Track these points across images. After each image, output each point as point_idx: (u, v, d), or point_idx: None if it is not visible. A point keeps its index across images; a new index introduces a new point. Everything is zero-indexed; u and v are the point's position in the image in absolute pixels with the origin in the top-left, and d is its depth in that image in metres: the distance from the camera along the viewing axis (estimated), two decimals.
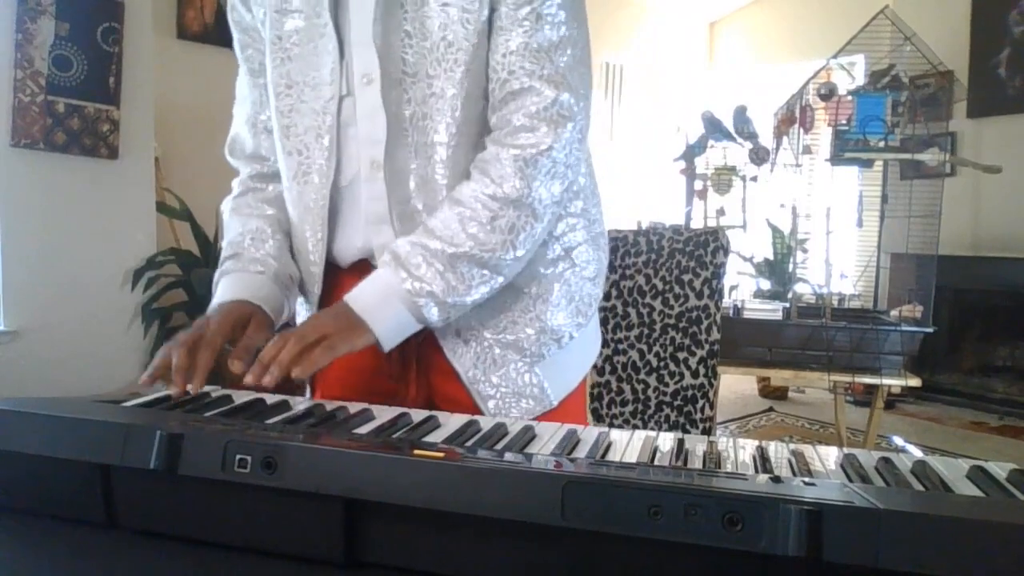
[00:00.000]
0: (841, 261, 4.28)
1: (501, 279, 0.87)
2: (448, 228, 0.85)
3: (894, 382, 2.97)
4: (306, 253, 0.96)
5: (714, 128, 3.89)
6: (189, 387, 0.77)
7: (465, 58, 0.85)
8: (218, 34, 3.73)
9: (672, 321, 1.75)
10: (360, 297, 0.84)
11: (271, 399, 0.78)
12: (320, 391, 1.01)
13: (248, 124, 1.05)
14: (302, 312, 1.03)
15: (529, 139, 0.85)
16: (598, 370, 1.79)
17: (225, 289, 0.93)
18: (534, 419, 0.90)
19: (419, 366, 0.97)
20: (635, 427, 1.66)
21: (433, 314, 0.84)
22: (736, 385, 4.83)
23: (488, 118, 0.89)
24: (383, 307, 0.83)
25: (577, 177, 0.93)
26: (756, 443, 0.68)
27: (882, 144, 3.24)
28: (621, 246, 1.80)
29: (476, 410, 0.92)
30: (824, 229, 3.68)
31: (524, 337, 0.92)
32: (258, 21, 0.95)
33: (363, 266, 0.94)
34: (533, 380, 0.93)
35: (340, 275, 0.97)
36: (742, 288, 4.60)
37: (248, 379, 0.76)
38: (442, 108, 0.86)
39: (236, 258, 0.96)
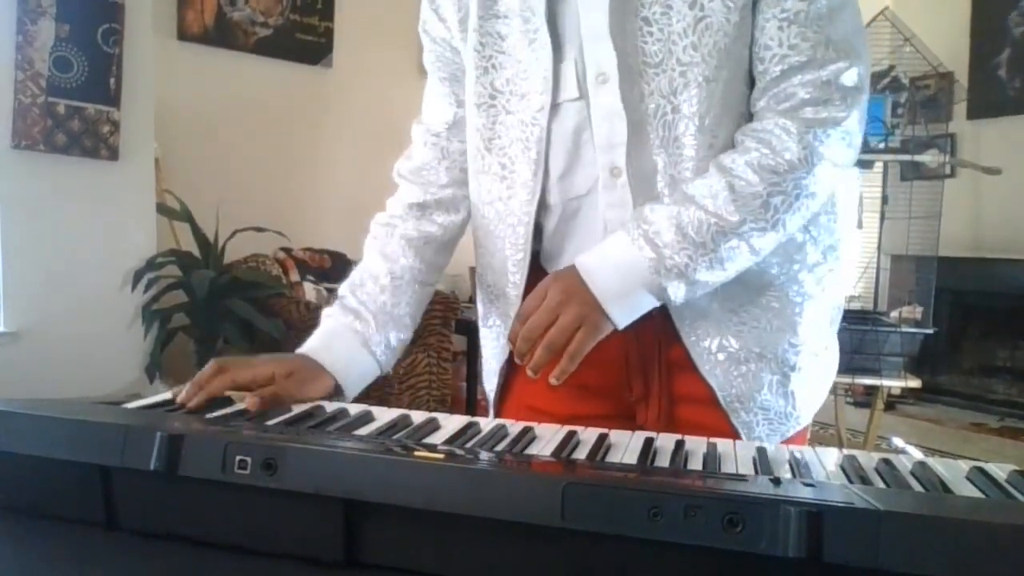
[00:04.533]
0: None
1: (755, 260, 0.79)
2: (716, 198, 0.76)
3: (894, 383, 2.97)
4: (504, 273, 0.90)
5: None
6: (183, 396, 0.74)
7: (725, 40, 0.77)
8: (218, 35, 3.74)
9: None
10: (599, 277, 0.76)
11: None
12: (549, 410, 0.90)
13: (429, 135, 0.98)
14: (491, 328, 0.97)
15: (819, 112, 0.76)
16: None
17: (315, 336, 0.90)
18: (784, 439, 0.85)
19: (663, 389, 0.87)
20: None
21: (679, 294, 0.77)
22: None
23: (754, 101, 0.81)
24: (624, 293, 0.77)
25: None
26: (756, 444, 0.68)
27: (882, 145, 3.24)
28: None
29: (725, 431, 0.83)
30: None
31: (785, 350, 0.84)
32: (452, 34, 0.90)
33: None
34: (790, 399, 0.86)
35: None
36: None
37: (520, 348, 0.76)
38: (693, 98, 0.78)
39: (343, 303, 0.92)
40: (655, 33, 0.78)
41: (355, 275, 0.95)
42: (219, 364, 0.78)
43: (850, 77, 0.77)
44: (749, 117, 0.82)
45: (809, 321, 0.86)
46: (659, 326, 0.84)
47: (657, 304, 0.79)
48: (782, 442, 0.85)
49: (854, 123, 0.78)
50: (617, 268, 0.77)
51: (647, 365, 0.87)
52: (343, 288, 0.94)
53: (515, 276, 0.89)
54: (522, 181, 0.86)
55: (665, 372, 0.87)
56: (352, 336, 0.89)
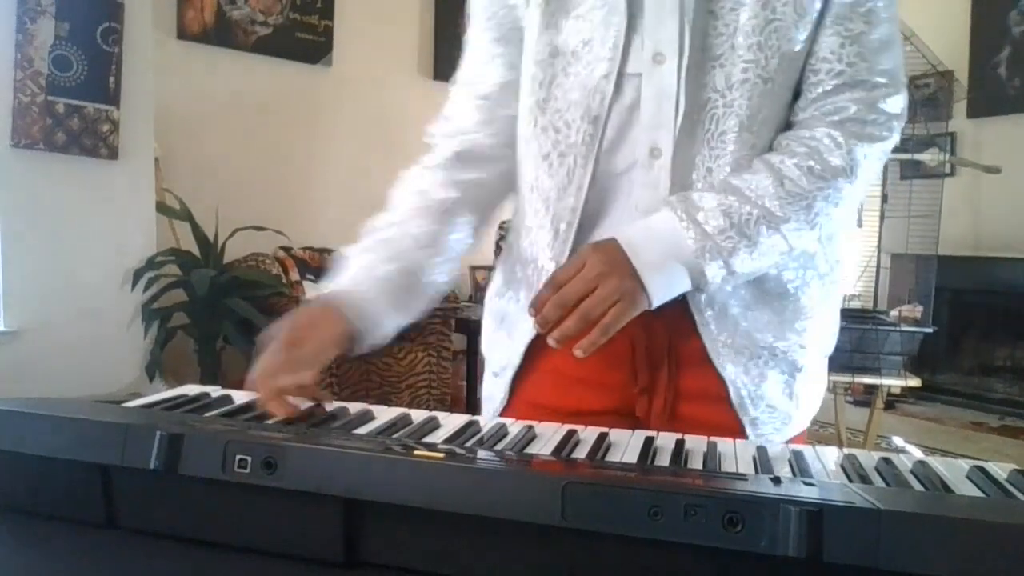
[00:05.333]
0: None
1: (786, 258, 0.81)
2: (764, 193, 0.78)
3: (894, 382, 2.97)
4: (539, 246, 0.88)
5: None
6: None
7: (790, 46, 0.79)
8: (218, 34, 3.74)
9: None
10: (644, 252, 0.76)
11: None
12: (530, 405, 0.90)
13: (475, 97, 0.93)
14: (506, 302, 0.94)
15: (866, 128, 0.80)
16: None
17: (343, 275, 0.84)
18: (787, 441, 0.86)
19: (671, 380, 0.87)
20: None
21: (716, 279, 0.77)
22: None
23: (798, 111, 0.83)
24: (666, 270, 0.76)
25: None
26: (757, 443, 0.68)
27: None
28: None
29: (730, 429, 0.83)
30: None
31: (793, 350, 0.86)
32: None
33: None
34: (795, 400, 0.87)
35: None
36: None
37: (546, 315, 0.73)
38: (747, 96, 0.80)
39: (380, 237, 0.87)
40: (719, 28, 0.79)
41: (388, 211, 0.90)
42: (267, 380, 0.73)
43: (896, 104, 0.82)
44: (788, 127, 0.84)
45: (817, 326, 0.88)
46: (671, 319, 0.84)
47: (690, 288, 0.79)
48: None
49: (890, 146, 0.82)
50: (663, 245, 0.77)
51: (655, 358, 0.87)
52: (381, 220, 0.89)
53: (553, 249, 0.87)
54: (576, 149, 0.84)
55: (674, 366, 0.87)
56: (392, 286, 0.84)
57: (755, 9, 0.78)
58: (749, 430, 0.85)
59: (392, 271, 0.85)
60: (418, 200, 0.90)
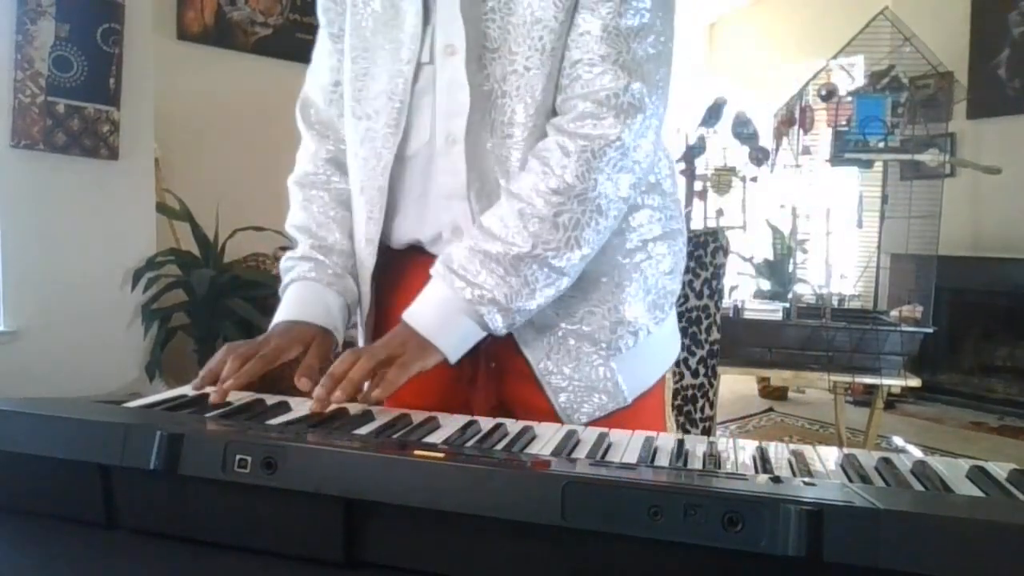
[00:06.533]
0: (841, 261, 4.29)
1: (566, 280, 0.83)
2: (507, 227, 0.81)
3: (894, 382, 2.97)
4: (360, 228, 0.94)
5: (714, 116, 3.90)
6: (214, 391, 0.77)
7: (551, 37, 0.81)
8: (218, 35, 3.74)
9: None
10: (420, 315, 0.81)
11: (271, 400, 0.78)
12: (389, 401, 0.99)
13: (321, 91, 1.01)
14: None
15: (595, 128, 0.80)
16: None
17: (295, 302, 0.92)
18: (607, 416, 0.89)
19: (489, 367, 0.93)
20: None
21: (497, 321, 0.81)
22: (736, 385, 4.83)
23: (557, 99, 0.85)
24: (446, 323, 0.80)
25: (648, 175, 0.89)
26: (756, 443, 0.68)
27: (882, 145, 3.24)
28: None
29: (546, 410, 0.88)
30: (824, 230, 3.69)
31: (599, 328, 0.88)
32: None
33: (415, 252, 0.93)
34: (607, 374, 0.89)
35: (391, 257, 0.95)
36: (742, 288, 4.61)
37: (318, 392, 0.74)
38: (522, 87, 0.83)
39: (312, 262, 0.95)
40: (497, 20, 0.82)
41: (304, 243, 0.98)
42: (235, 353, 0.82)
43: (629, 95, 0.80)
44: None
45: (627, 303, 0.90)
46: None
47: (484, 334, 0.82)
48: (604, 419, 0.88)
49: (630, 138, 0.81)
50: (436, 306, 0.81)
51: (475, 346, 0.89)
52: (300, 250, 0.97)
53: (371, 231, 0.92)
54: (382, 133, 0.89)
55: (492, 349, 0.90)
56: (340, 299, 0.95)
57: (522, 3, 0.82)
58: (557, 403, 0.88)
59: (340, 288, 0.95)
60: (326, 224, 0.99)
